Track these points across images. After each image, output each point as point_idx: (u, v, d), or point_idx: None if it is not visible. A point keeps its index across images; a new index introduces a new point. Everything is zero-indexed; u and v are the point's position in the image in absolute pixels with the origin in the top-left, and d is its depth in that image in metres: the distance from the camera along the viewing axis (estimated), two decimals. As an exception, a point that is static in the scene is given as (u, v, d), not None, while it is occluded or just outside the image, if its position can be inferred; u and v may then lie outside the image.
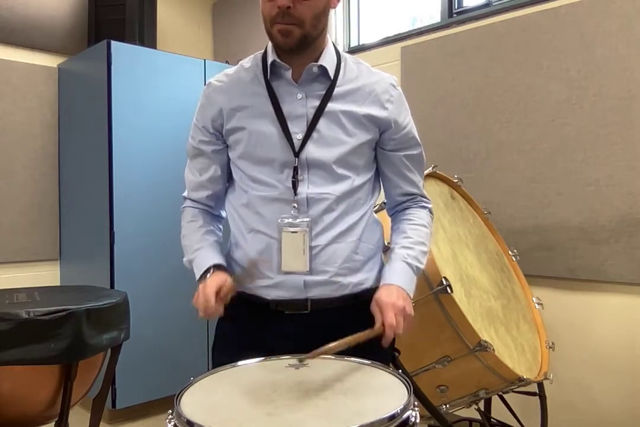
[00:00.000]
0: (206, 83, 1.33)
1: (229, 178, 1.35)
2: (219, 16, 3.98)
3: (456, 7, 2.83)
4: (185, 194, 1.39)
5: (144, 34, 3.13)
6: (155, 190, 2.90)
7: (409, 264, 1.25)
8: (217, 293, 1.13)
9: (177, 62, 3.01)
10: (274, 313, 1.25)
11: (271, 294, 1.24)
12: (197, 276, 1.25)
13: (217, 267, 1.24)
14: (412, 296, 1.23)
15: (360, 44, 3.33)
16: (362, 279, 1.27)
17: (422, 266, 1.28)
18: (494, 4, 2.65)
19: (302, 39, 1.17)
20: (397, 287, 1.20)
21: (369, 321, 1.16)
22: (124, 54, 2.81)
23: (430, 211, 1.39)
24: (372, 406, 0.90)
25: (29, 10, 3.12)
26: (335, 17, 3.34)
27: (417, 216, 1.34)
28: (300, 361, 1.09)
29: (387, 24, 3.21)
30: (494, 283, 2.02)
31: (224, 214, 1.40)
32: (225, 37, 3.92)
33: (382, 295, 1.18)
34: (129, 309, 1.97)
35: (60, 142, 3.24)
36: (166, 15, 3.67)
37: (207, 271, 1.23)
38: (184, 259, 1.32)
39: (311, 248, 1.22)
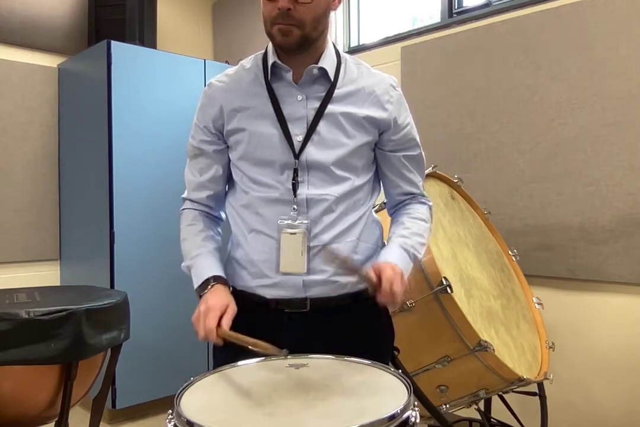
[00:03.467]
0: (207, 83, 1.33)
1: (229, 179, 1.35)
2: (219, 16, 3.98)
3: (456, 7, 2.83)
4: (184, 195, 1.38)
5: (144, 34, 3.13)
6: (155, 189, 2.90)
7: (406, 249, 1.24)
8: (218, 323, 1.11)
9: (177, 62, 3.01)
10: (274, 311, 1.25)
11: (270, 293, 1.25)
12: (195, 285, 1.24)
13: (216, 279, 1.23)
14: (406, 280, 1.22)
15: (360, 44, 3.33)
16: None
17: (419, 256, 1.28)
18: (494, 4, 2.65)
19: (302, 40, 1.17)
20: (394, 264, 1.18)
21: (369, 320, 1.16)
22: (124, 54, 2.81)
23: (430, 208, 1.39)
24: (372, 406, 0.90)
25: (29, 10, 3.12)
26: (335, 17, 3.34)
27: (417, 210, 1.35)
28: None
29: (387, 24, 3.21)
30: (494, 283, 2.02)
31: (223, 215, 1.40)
32: (225, 37, 3.92)
33: (379, 262, 1.17)
34: (129, 309, 1.96)
35: (60, 142, 3.24)
36: (166, 15, 3.67)
37: (206, 282, 1.22)
38: (183, 265, 1.31)
39: (311, 248, 1.22)
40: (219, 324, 1.11)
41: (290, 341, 1.19)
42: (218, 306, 1.14)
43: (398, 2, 3.20)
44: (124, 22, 3.07)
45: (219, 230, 1.39)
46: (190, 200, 1.37)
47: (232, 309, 1.15)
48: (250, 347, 1.07)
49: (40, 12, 3.16)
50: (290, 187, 1.22)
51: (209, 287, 1.20)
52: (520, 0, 2.51)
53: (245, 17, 3.72)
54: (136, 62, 2.86)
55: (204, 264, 1.26)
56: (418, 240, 1.29)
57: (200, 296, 1.20)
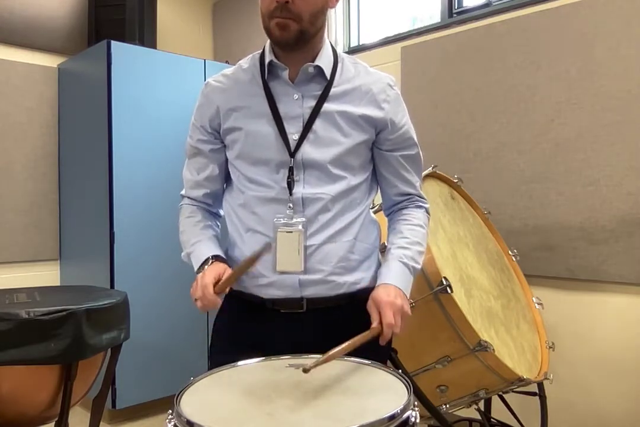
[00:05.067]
0: (204, 83, 1.33)
1: (226, 178, 1.35)
2: (219, 16, 3.98)
3: (456, 7, 2.83)
4: (183, 192, 1.39)
5: (144, 34, 3.13)
6: (155, 189, 2.90)
7: (405, 264, 1.25)
8: (215, 284, 1.13)
9: (177, 62, 3.01)
10: (270, 312, 1.25)
11: (266, 293, 1.25)
12: (195, 268, 1.25)
13: (215, 257, 1.24)
14: (408, 296, 1.23)
15: (360, 44, 3.33)
16: (358, 278, 1.27)
17: (418, 266, 1.28)
18: (494, 4, 2.65)
19: (299, 35, 1.17)
20: (394, 287, 1.20)
21: (366, 320, 1.16)
22: (124, 54, 2.81)
23: (427, 211, 1.39)
24: (372, 406, 0.90)
25: (29, 11, 3.12)
26: (335, 17, 3.34)
27: (414, 216, 1.34)
28: (305, 371, 1.00)
29: (387, 24, 3.21)
30: (494, 283, 2.02)
31: (221, 212, 1.40)
32: (225, 37, 3.92)
33: (379, 293, 1.18)
34: (129, 309, 1.97)
35: (60, 142, 3.24)
36: (166, 15, 3.67)
37: (205, 262, 1.23)
38: (182, 253, 1.32)
39: (306, 247, 1.22)
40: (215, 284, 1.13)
41: (287, 342, 1.20)
42: (214, 270, 1.16)
43: (398, 2, 3.20)
44: (124, 22, 3.07)
45: (218, 222, 1.40)
46: (188, 197, 1.38)
47: (229, 272, 1.17)
48: (243, 269, 1.12)
49: (40, 12, 3.16)
50: (286, 186, 1.22)
51: (207, 266, 1.21)
52: (520, 0, 2.51)
53: (245, 17, 3.72)
54: (136, 62, 2.86)
55: (203, 248, 1.27)
56: (417, 249, 1.29)
57: None
